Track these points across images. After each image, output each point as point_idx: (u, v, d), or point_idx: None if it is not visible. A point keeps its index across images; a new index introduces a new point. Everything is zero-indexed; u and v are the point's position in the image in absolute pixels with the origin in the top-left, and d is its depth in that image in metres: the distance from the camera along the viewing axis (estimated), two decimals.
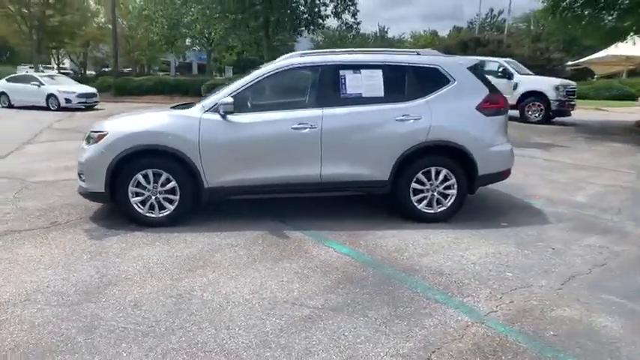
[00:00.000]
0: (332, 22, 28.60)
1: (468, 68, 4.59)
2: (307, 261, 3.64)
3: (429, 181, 4.50)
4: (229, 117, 4.26)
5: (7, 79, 18.73)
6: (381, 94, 4.46)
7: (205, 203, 4.44)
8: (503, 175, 4.74)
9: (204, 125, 4.25)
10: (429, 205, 4.55)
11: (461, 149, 4.45)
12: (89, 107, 17.93)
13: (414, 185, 4.48)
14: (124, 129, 4.37)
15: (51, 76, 19.90)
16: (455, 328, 2.73)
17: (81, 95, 17.89)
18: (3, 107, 18.03)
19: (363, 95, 4.45)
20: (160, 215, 4.35)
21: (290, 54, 4.80)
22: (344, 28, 24.70)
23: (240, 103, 4.34)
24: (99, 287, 3.14)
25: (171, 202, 4.34)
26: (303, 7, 20.78)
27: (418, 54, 4.75)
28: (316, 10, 20.07)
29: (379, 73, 4.49)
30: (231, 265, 3.55)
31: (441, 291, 3.18)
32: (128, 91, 24.83)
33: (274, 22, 18.87)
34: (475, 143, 4.48)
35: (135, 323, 2.71)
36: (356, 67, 4.51)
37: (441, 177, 4.50)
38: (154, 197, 4.31)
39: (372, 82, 4.47)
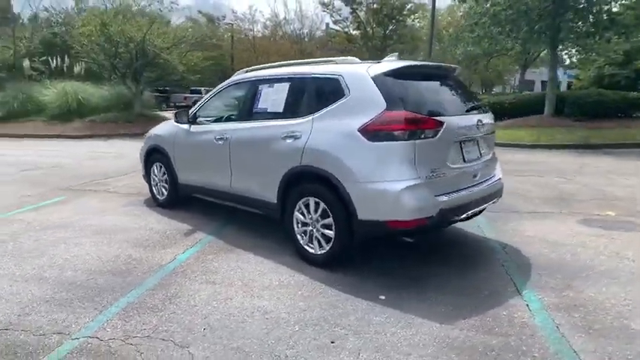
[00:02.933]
0: None
1: (378, 76, 3.39)
2: None
3: (308, 213, 3.70)
4: (191, 127, 4.99)
5: None
6: (281, 109, 4.02)
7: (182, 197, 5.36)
8: (389, 226, 3.23)
9: (178, 132, 5.18)
10: (311, 242, 3.73)
11: (329, 179, 3.43)
12: None
13: (297, 215, 3.80)
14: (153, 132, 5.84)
15: None
16: None
17: None
18: None
19: (268, 110, 4.16)
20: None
21: (242, 69, 4.93)
22: None
23: (200, 115, 4.99)
24: None
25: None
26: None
27: (331, 63, 3.90)
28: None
29: (285, 86, 4.05)
30: None
31: None
32: None
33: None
34: (349, 175, 3.33)
35: None
36: (270, 82, 4.24)
37: (319, 211, 3.61)
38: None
39: (276, 97, 4.10)
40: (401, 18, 32.21)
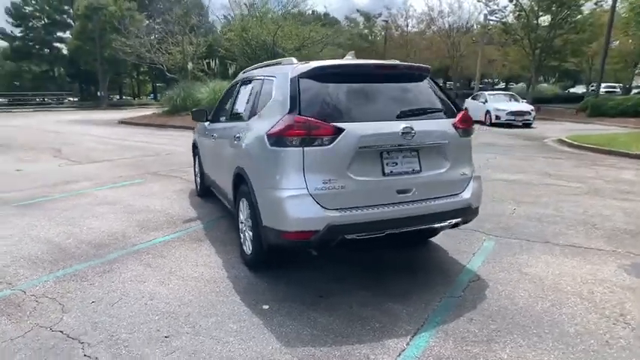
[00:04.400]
0: None
1: (294, 78, 3.22)
2: None
3: (242, 214, 3.79)
4: (208, 124, 5.49)
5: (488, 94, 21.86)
6: (243, 110, 4.15)
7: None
8: (281, 237, 3.05)
9: (201, 128, 5.75)
10: (245, 242, 3.81)
11: (247, 182, 3.45)
12: (526, 125, 18.54)
13: (239, 214, 3.91)
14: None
15: (498, 94, 21.81)
16: None
17: (511, 113, 18.85)
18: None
19: (238, 111, 4.33)
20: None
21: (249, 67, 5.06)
22: None
23: (218, 112, 5.42)
24: None
25: None
26: None
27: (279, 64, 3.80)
28: None
29: (249, 88, 4.16)
30: None
31: None
32: (603, 112, 22.71)
33: None
34: (256, 179, 3.32)
35: None
36: (244, 83, 4.39)
37: (246, 213, 3.65)
38: None
39: (243, 98, 4.25)
40: (575, 3, 27.60)
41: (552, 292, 3.32)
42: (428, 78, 3.58)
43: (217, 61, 20.51)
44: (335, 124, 2.98)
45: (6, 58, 42.34)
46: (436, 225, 3.35)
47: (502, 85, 53.25)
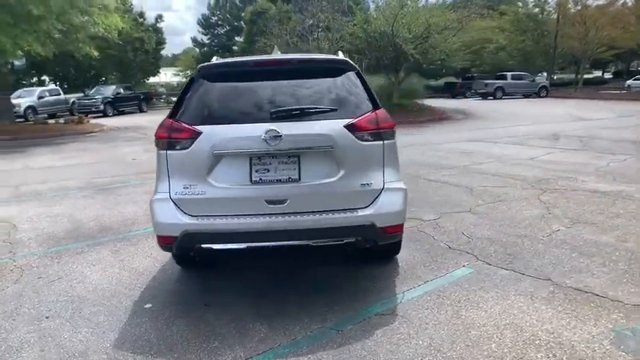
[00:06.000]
0: None
1: (195, 77, 3.09)
2: None
3: None
4: None
5: None
6: None
7: None
8: (158, 241, 3.03)
9: None
10: None
11: None
12: None
13: None
14: None
15: None
16: None
17: None
18: None
19: None
20: None
21: None
22: None
23: None
24: None
25: None
26: None
27: None
28: None
29: None
30: None
31: None
32: None
33: None
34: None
35: None
36: None
37: None
38: None
39: None
40: None
41: (470, 351, 2.54)
42: (350, 73, 3.08)
43: (347, 55, 20.80)
44: (195, 127, 2.82)
45: (197, 62, 50.69)
46: (322, 242, 2.87)
47: None
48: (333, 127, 2.82)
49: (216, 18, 49.61)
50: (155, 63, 38.58)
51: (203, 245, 2.86)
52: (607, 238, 4.09)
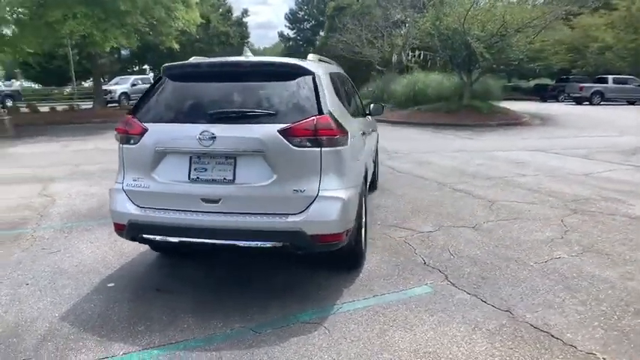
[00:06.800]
0: None
1: (158, 75, 3.36)
2: None
3: None
4: None
5: None
6: None
7: None
8: None
9: None
10: None
11: None
12: None
13: None
14: None
15: None
16: None
17: None
18: None
19: None
20: None
21: None
22: None
23: None
24: None
25: None
26: None
27: None
28: None
29: None
30: None
31: None
32: None
33: None
34: None
35: None
36: None
37: None
38: None
39: None
40: None
41: None
42: (304, 77, 3.06)
43: (420, 52, 20.18)
44: (145, 124, 3.01)
45: (283, 56, 52.33)
46: (250, 243, 2.90)
47: None
48: (265, 131, 2.84)
49: (303, 13, 50.65)
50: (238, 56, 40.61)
51: (145, 235, 3.06)
52: (610, 273, 3.60)
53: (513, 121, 16.20)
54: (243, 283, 3.52)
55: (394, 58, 21.08)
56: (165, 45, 18.05)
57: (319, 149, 2.87)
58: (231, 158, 2.90)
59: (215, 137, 2.83)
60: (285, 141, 2.82)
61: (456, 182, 6.89)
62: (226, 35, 35.76)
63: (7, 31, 16.01)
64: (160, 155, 2.99)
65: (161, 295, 3.30)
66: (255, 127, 2.87)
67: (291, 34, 51.55)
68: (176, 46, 18.48)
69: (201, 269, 3.79)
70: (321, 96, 3.01)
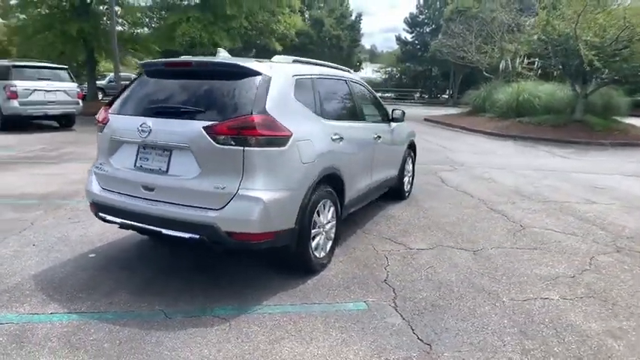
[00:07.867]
0: None
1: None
2: None
3: None
4: None
5: None
6: None
7: None
8: None
9: None
10: None
11: None
12: None
13: None
14: None
15: None
16: None
17: None
18: None
19: None
20: None
21: None
22: None
23: None
24: None
25: None
26: None
27: None
28: None
29: None
30: None
31: None
32: None
33: None
34: None
35: None
36: None
37: None
38: None
39: None
40: None
41: None
42: (253, 78, 3.14)
43: (535, 60, 18.27)
44: (110, 115, 3.37)
45: (398, 60, 51.54)
46: (171, 232, 3.04)
47: None
48: (192, 127, 2.98)
49: (423, 17, 49.43)
50: (347, 59, 41.17)
51: (100, 214, 3.42)
52: (595, 327, 2.98)
53: (633, 142, 13.84)
54: (200, 273, 3.68)
55: (501, 64, 19.44)
56: (270, 47, 19.26)
57: (242, 148, 2.91)
58: (167, 151, 3.11)
59: (151, 130, 3.07)
60: (209, 138, 2.92)
61: (500, 202, 6.22)
62: (337, 38, 36.67)
63: (141, 32, 18.62)
64: (117, 143, 3.34)
65: (122, 271, 3.64)
66: (184, 123, 3.04)
67: (409, 37, 50.67)
68: (279, 48, 19.58)
69: (179, 257, 4.00)
70: (260, 97, 3.04)
